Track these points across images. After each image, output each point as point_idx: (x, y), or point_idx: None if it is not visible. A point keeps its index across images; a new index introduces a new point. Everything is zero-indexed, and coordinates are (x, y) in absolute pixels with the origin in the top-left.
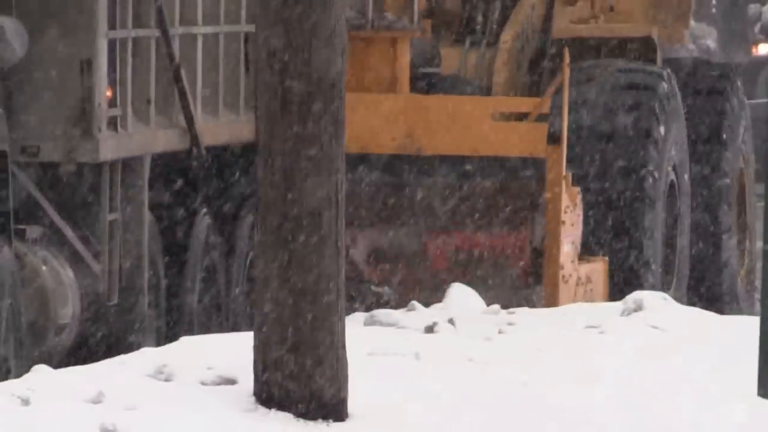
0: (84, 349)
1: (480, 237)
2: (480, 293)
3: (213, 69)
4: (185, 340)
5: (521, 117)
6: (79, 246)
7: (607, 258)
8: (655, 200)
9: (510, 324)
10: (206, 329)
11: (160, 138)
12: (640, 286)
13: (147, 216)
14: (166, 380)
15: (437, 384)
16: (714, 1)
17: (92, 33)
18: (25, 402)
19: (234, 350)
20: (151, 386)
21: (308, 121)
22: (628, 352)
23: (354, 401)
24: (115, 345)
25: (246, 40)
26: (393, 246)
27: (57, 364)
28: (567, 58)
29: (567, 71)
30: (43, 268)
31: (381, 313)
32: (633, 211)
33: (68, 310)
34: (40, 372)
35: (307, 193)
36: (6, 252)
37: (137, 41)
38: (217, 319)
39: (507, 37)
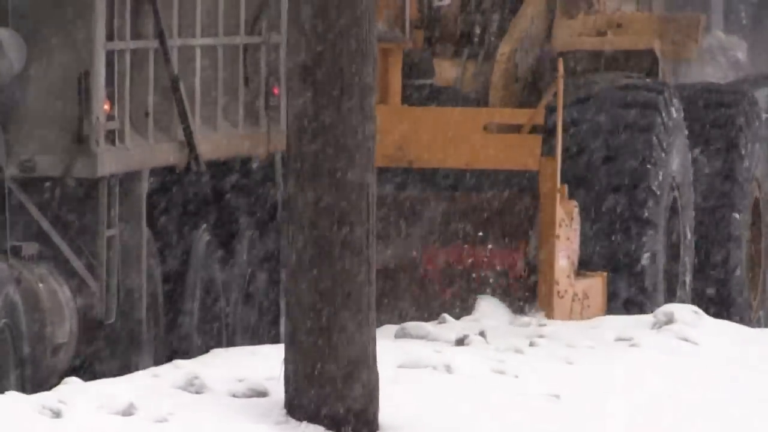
0: (81, 369)
1: (474, 252)
2: (473, 309)
3: (212, 81)
4: (216, 352)
5: (515, 129)
6: (76, 263)
7: (605, 273)
8: (656, 221)
9: (541, 336)
10: (205, 346)
11: (159, 152)
12: (642, 305)
13: (145, 232)
14: (197, 392)
15: (468, 397)
16: (743, 14)
17: (90, 44)
18: (57, 414)
19: (265, 362)
20: (182, 398)
21: (338, 132)
22: (659, 365)
23: (385, 414)
24: (113, 364)
25: (245, 52)
26: (385, 260)
27: (54, 384)
28: (561, 69)
29: (561, 82)
30: (40, 286)
31: (412, 326)
32: (633, 232)
33: (65, 329)
34: (72, 384)
35: (337, 206)
36: (3, 270)
37: (135, 53)
38: (216, 335)
39: (505, 49)
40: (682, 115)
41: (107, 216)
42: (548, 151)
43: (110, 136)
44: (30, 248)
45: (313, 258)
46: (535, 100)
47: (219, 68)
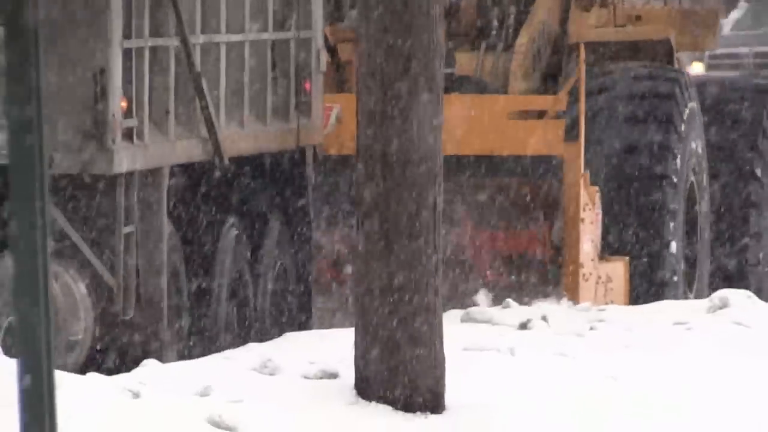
0: (100, 364)
1: (499, 236)
2: (500, 292)
3: (238, 78)
4: (288, 336)
5: (539, 116)
6: (93, 260)
7: (627, 258)
8: (675, 204)
9: (600, 320)
10: (233, 341)
11: (180, 149)
12: (662, 290)
13: (167, 228)
14: (271, 374)
15: (530, 378)
16: None
17: (106, 42)
18: (136, 395)
19: (335, 345)
20: (257, 380)
21: (408, 127)
22: (714, 348)
23: (450, 394)
24: (132, 360)
25: (273, 48)
26: None
27: None
28: (582, 55)
29: (583, 68)
30: (53, 282)
31: (476, 311)
32: (654, 215)
33: (80, 326)
34: (150, 366)
35: (406, 195)
36: (8, 267)
37: (155, 50)
38: (245, 331)
39: (522, 41)
40: (698, 102)
41: (125, 213)
42: (571, 136)
43: (128, 134)
44: None
45: (382, 245)
46: (553, 88)
47: (245, 64)
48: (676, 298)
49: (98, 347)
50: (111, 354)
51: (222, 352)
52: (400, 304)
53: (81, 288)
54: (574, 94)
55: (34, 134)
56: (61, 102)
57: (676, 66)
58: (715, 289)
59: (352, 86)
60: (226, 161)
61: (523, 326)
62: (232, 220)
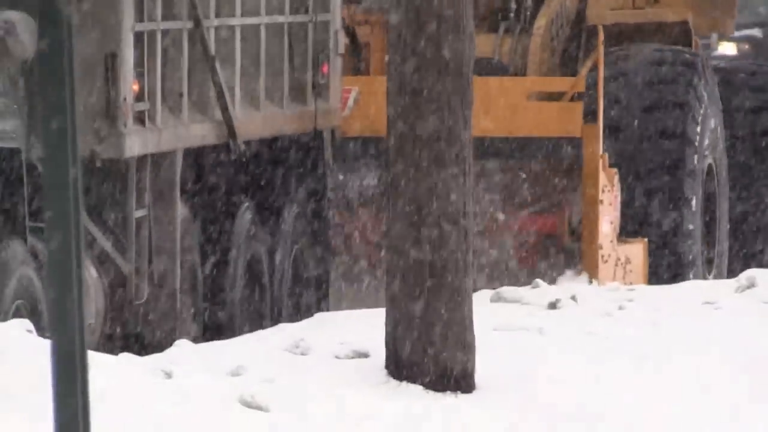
0: (113, 347)
1: (518, 217)
2: (517, 273)
3: (253, 61)
4: (320, 317)
5: (557, 97)
6: (105, 244)
7: (646, 239)
8: (695, 173)
9: (629, 300)
10: (248, 325)
11: (194, 132)
12: (680, 259)
13: (179, 212)
14: (302, 354)
15: (560, 357)
16: None
17: (117, 26)
18: (168, 375)
19: (366, 326)
20: (288, 360)
21: (437, 106)
22: (742, 326)
23: (480, 374)
24: (145, 343)
25: (290, 31)
26: None
27: None
28: (601, 36)
29: (601, 49)
30: None
31: (506, 290)
32: (674, 185)
33: (90, 310)
34: (182, 346)
35: (436, 175)
36: (20, 251)
37: (167, 34)
38: (261, 313)
39: (541, 23)
40: (716, 83)
41: (137, 196)
42: (589, 117)
43: (140, 117)
44: None
45: (413, 224)
46: (571, 70)
47: (261, 48)
48: (695, 276)
49: (111, 331)
50: (123, 338)
51: (254, 333)
52: (431, 284)
53: (92, 272)
54: (592, 76)
55: (68, 121)
56: None
57: (694, 47)
58: (734, 271)
59: (370, 69)
60: (241, 144)
61: (553, 306)
62: (247, 203)
